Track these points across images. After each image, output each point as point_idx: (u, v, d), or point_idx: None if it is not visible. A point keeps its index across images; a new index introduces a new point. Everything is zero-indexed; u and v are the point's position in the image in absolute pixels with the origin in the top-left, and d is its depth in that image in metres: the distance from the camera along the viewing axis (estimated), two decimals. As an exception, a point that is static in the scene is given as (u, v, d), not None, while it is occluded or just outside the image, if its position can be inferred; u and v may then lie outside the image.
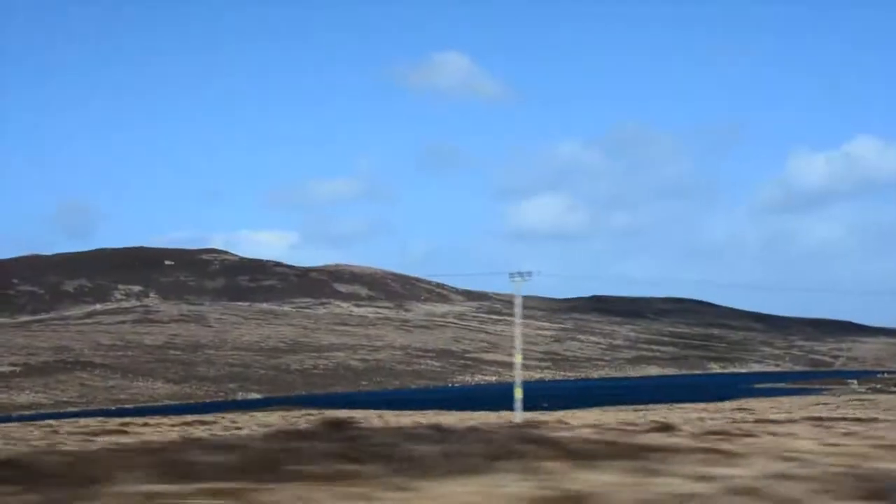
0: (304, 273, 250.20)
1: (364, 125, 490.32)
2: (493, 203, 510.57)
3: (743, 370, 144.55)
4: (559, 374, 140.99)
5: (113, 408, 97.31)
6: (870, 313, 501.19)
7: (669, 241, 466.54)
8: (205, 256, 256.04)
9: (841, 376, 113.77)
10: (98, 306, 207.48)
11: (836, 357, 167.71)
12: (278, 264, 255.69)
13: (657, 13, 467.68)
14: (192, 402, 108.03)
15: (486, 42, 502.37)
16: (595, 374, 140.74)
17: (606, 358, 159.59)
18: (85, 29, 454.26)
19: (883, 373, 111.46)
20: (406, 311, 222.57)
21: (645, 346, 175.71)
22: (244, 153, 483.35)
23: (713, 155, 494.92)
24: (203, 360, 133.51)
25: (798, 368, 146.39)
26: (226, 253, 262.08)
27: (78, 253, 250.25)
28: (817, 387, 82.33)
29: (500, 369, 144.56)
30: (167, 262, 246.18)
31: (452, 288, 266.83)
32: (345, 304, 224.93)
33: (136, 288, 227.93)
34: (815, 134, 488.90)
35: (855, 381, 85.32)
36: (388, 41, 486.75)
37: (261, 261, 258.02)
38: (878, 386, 76.80)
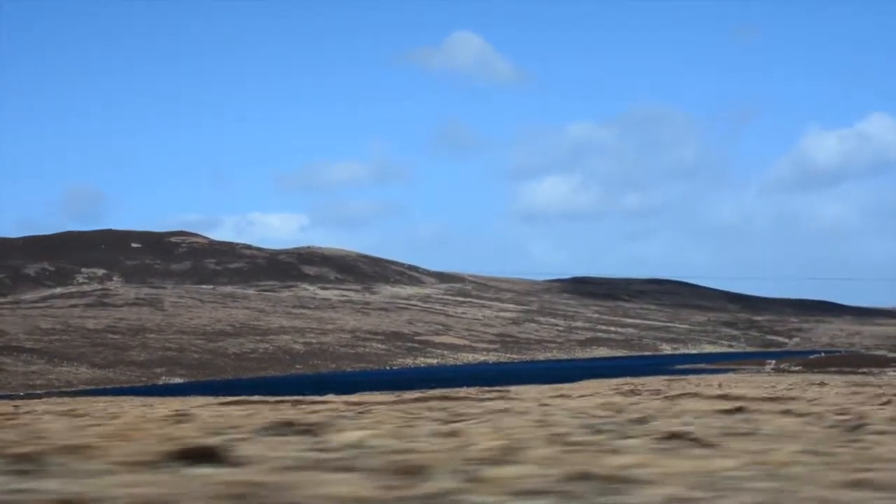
0: (272, 256, 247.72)
1: (376, 107, 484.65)
2: (506, 184, 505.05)
3: (694, 351, 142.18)
4: (504, 357, 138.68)
5: (21, 393, 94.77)
6: (868, 294, 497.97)
7: (679, 222, 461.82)
8: (173, 239, 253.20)
9: (785, 356, 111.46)
10: (58, 290, 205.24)
11: (790, 337, 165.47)
12: (247, 247, 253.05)
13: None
14: (109, 387, 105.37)
15: (501, 23, 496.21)
16: (541, 356, 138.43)
17: (559, 340, 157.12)
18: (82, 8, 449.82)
19: (821, 353, 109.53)
20: (372, 293, 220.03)
21: (604, 327, 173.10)
22: (254, 136, 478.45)
23: (726, 134, 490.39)
24: (139, 345, 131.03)
25: (750, 349, 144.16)
26: (195, 235, 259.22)
27: (43, 236, 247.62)
28: (733, 367, 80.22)
29: (446, 352, 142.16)
30: (134, 245, 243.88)
31: (426, 270, 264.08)
32: (311, 287, 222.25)
33: (100, 271, 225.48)
34: (829, 112, 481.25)
35: (773, 362, 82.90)
36: (401, 23, 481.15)
37: (230, 243, 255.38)
38: (790, 367, 74.45)
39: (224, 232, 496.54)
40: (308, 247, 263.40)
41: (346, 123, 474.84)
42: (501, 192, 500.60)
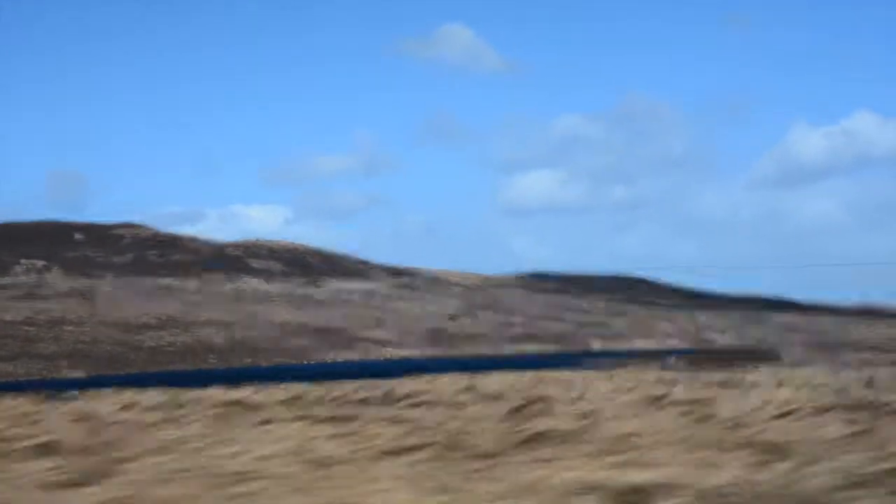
0: (219, 249, 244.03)
1: (363, 98, 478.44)
2: (494, 176, 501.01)
3: (624, 347, 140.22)
4: (430, 352, 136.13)
5: None
6: (838, 289, 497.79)
7: (665, 216, 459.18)
8: (118, 231, 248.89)
9: (685, 353, 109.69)
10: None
11: (723, 333, 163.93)
12: (193, 239, 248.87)
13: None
14: (4, 381, 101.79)
15: (490, 14, 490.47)
16: (468, 352, 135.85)
17: (491, 335, 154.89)
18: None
19: (690, 352, 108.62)
20: (317, 287, 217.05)
21: (542, 323, 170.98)
22: (238, 126, 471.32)
23: (713, 128, 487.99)
24: (52, 337, 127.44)
25: (681, 345, 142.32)
26: (141, 227, 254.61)
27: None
28: (630, 364, 78.09)
29: (371, 346, 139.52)
30: (77, 237, 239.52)
31: (376, 265, 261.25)
32: (254, 280, 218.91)
33: (40, 263, 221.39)
34: (815, 109, 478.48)
35: (673, 358, 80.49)
36: (389, 14, 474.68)
37: (176, 235, 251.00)
38: (676, 363, 72.06)
39: (208, 224, 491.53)
40: (256, 240, 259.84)
41: (332, 115, 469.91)
42: (488, 185, 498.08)
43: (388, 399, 17.71)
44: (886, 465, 8.35)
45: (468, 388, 20.50)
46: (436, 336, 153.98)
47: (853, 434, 10.17)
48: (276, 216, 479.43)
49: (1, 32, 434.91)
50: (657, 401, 16.04)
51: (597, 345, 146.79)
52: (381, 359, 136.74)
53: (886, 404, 13.54)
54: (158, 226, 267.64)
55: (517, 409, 14.11)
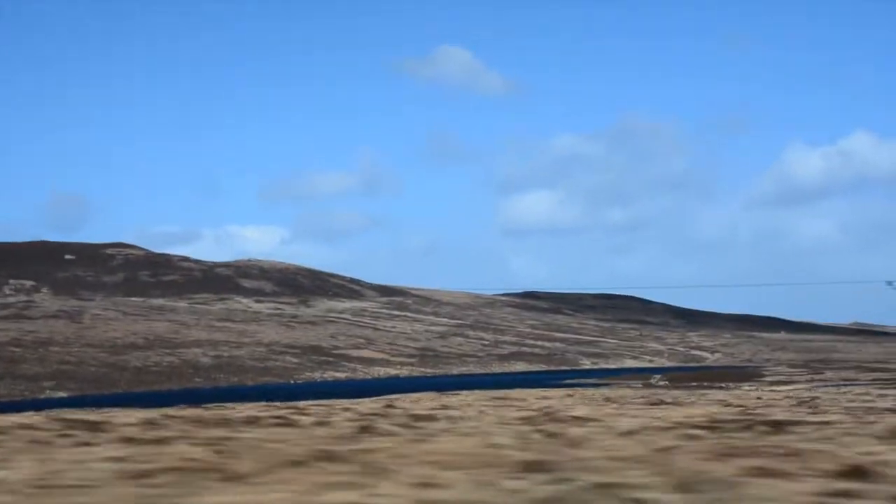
0: (210, 269, 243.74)
1: (364, 117, 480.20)
2: (492, 196, 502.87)
3: (613, 365, 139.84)
4: (418, 371, 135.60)
5: None
6: (829, 309, 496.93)
7: (661, 235, 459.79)
8: (109, 251, 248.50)
9: (701, 371, 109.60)
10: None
11: (713, 353, 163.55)
12: (185, 259, 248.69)
13: (657, 7, 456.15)
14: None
15: (489, 34, 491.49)
16: (456, 371, 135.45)
17: (480, 355, 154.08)
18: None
19: (743, 367, 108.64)
20: (308, 306, 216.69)
21: (531, 342, 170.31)
22: (237, 145, 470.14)
23: (711, 148, 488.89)
24: (37, 358, 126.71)
25: (669, 364, 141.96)
26: (132, 247, 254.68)
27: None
28: (614, 382, 77.60)
29: (359, 366, 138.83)
30: (67, 257, 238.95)
31: (368, 284, 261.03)
32: (245, 300, 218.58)
33: (29, 283, 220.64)
34: (812, 128, 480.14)
35: (658, 377, 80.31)
36: (389, 34, 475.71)
37: (167, 255, 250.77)
38: (658, 381, 71.84)
39: (205, 244, 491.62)
40: (248, 259, 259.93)
41: (332, 133, 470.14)
42: (487, 204, 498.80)
43: (252, 420, 16.95)
44: (597, 479, 8.15)
45: (387, 407, 20.25)
46: (425, 355, 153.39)
47: (659, 451, 9.97)
48: (272, 236, 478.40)
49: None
50: (538, 418, 15.79)
51: (586, 363, 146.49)
52: (370, 378, 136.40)
53: (782, 423, 13.25)
54: (154, 246, 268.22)
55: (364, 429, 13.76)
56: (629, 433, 11.83)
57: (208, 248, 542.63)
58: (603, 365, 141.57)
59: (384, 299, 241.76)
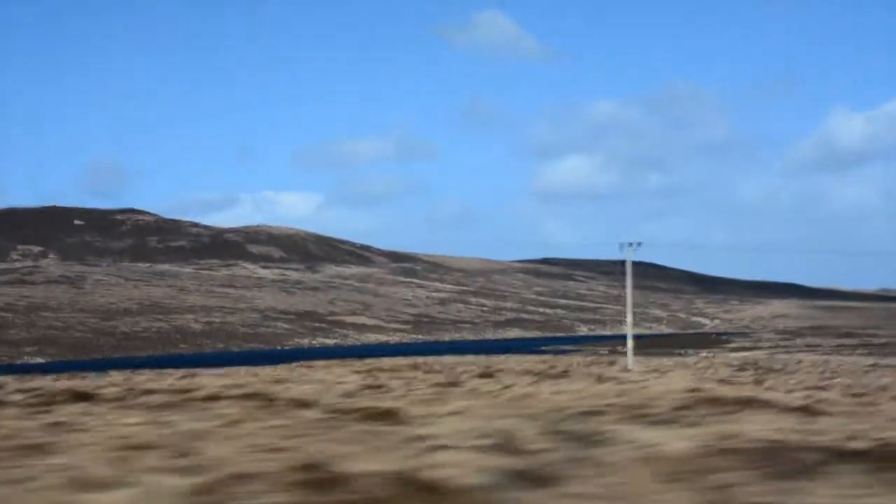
0: (218, 234, 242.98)
1: (401, 83, 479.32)
2: (528, 162, 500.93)
3: (609, 332, 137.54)
4: (410, 338, 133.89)
5: None
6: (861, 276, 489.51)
7: (702, 202, 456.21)
8: (118, 216, 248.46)
9: (675, 337, 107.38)
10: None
11: (713, 319, 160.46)
12: (194, 225, 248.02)
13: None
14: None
15: (527, 1, 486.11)
16: (448, 338, 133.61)
17: (477, 321, 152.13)
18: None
19: (720, 334, 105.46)
20: (314, 272, 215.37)
21: (532, 308, 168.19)
22: (275, 111, 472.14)
23: (751, 112, 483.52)
24: (25, 323, 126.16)
25: (667, 330, 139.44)
26: (142, 213, 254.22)
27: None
28: (589, 348, 75.58)
29: (351, 332, 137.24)
30: (76, 222, 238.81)
31: (378, 250, 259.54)
32: (251, 266, 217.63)
33: (37, 248, 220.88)
34: (856, 94, 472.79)
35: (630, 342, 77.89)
36: (427, 1, 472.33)
37: (177, 221, 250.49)
38: (622, 348, 69.60)
39: (242, 210, 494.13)
40: (257, 225, 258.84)
41: (369, 98, 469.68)
42: (522, 170, 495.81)
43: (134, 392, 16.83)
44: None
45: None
46: (420, 322, 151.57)
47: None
48: (307, 202, 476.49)
49: (27, 30, 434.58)
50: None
51: (583, 330, 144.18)
52: (359, 344, 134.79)
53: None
54: (191, 215, 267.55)
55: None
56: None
57: (246, 213, 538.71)
58: (599, 332, 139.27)
59: (393, 265, 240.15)
